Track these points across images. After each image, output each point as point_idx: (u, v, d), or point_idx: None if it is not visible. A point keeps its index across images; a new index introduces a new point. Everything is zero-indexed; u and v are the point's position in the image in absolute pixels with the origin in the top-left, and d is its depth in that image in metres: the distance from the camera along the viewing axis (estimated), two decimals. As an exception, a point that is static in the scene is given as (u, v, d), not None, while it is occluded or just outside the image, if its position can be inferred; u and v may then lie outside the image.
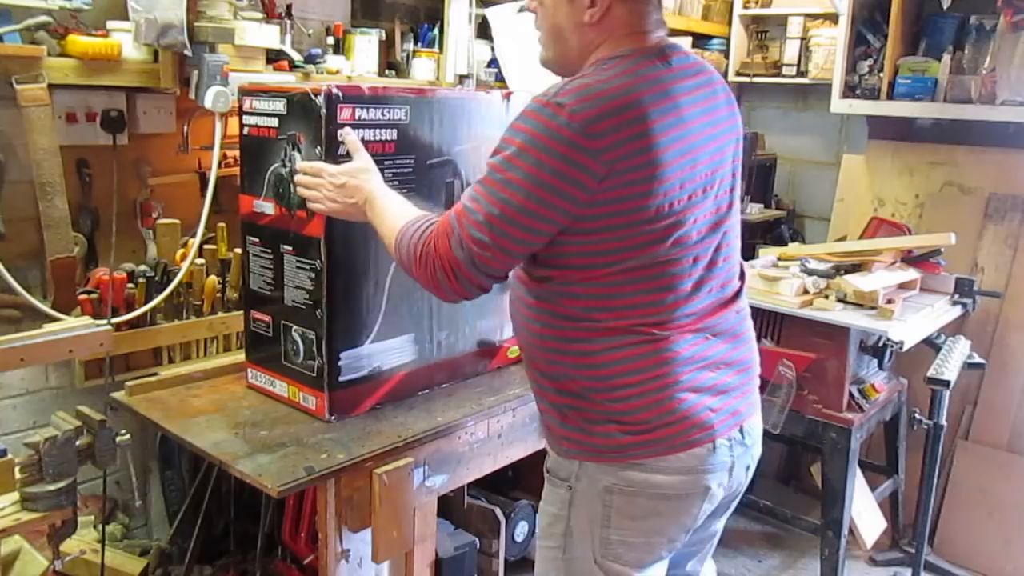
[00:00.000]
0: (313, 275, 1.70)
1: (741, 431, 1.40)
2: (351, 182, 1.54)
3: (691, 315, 1.34)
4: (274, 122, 1.69)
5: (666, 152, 1.25)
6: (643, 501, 1.35)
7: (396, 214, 1.44)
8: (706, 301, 1.37)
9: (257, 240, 1.80)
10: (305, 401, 1.79)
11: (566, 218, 1.25)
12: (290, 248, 1.73)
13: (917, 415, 2.48)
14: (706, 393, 1.35)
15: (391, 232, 1.41)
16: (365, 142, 1.62)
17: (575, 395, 1.36)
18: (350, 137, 1.60)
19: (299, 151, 1.66)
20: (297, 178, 1.61)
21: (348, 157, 1.60)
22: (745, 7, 3.38)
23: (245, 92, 1.74)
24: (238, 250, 2.15)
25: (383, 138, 1.70)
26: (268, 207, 1.75)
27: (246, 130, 1.76)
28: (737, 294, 1.45)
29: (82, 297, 1.90)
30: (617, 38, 1.33)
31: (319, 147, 1.62)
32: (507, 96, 1.97)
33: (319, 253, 1.67)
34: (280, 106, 1.68)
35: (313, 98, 1.61)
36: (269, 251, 1.78)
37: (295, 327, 1.76)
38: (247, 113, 1.74)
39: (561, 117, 1.21)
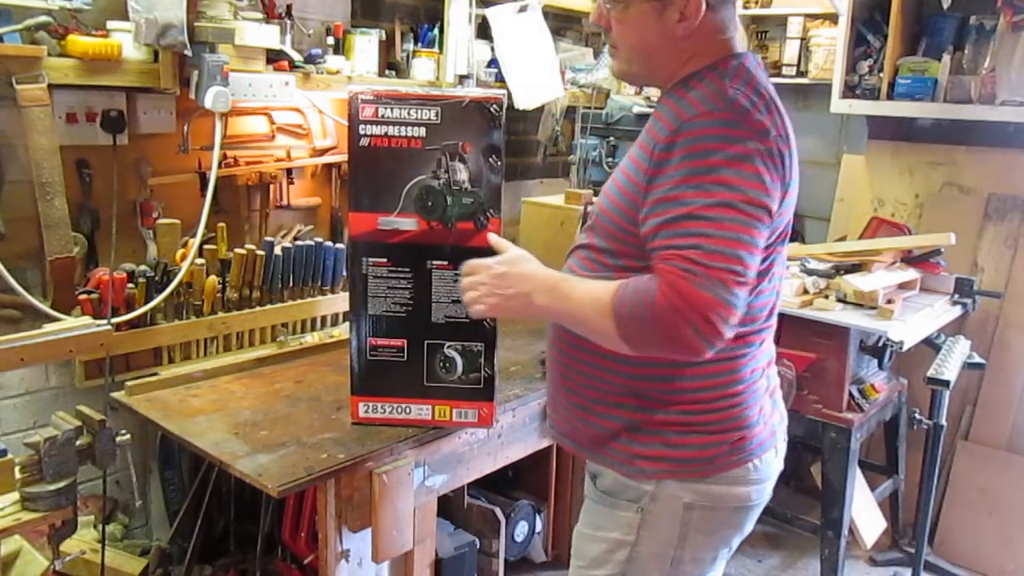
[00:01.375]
0: None
1: (787, 434, 1.46)
2: (512, 271, 1.34)
3: (768, 322, 1.35)
4: (420, 132, 1.62)
5: (788, 151, 1.26)
6: (721, 515, 1.34)
7: (591, 288, 1.24)
8: (775, 309, 1.38)
9: (384, 260, 1.68)
10: (462, 416, 1.76)
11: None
12: (444, 263, 1.67)
13: (917, 415, 2.48)
14: (772, 397, 1.40)
15: (599, 305, 1.20)
16: None
17: (661, 410, 1.30)
18: (496, 239, 1.49)
19: (463, 161, 1.62)
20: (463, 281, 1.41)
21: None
22: (745, 7, 3.37)
23: (368, 100, 1.62)
24: (239, 250, 2.16)
25: None
26: (406, 223, 1.66)
27: (365, 141, 1.63)
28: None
29: (82, 297, 1.90)
30: (710, 45, 1.29)
31: (493, 157, 1.60)
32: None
33: None
34: (432, 115, 1.60)
35: (488, 106, 1.58)
36: (406, 270, 1.69)
37: (448, 343, 1.72)
38: (369, 122, 1.62)
39: (751, 134, 1.18)
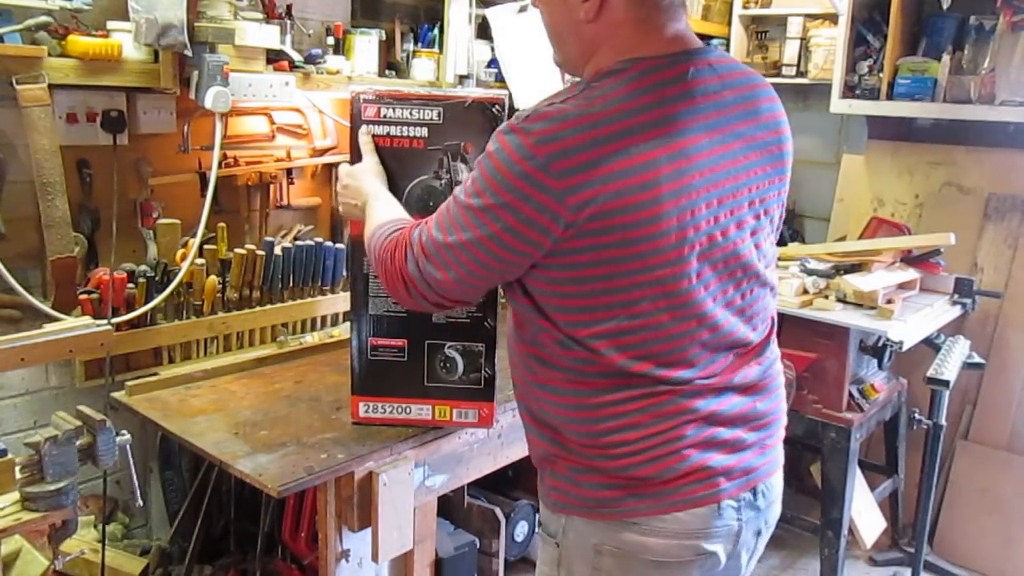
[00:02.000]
0: None
1: (754, 492, 1.24)
2: (352, 184, 1.52)
3: (703, 371, 1.19)
4: (422, 132, 1.62)
5: (660, 193, 1.08)
6: (637, 566, 1.21)
7: (380, 215, 1.39)
8: (722, 357, 1.21)
9: None
10: (462, 416, 1.76)
11: (527, 259, 1.14)
12: None
13: (917, 415, 2.48)
14: (715, 449, 1.19)
15: (368, 232, 1.37)
16: None
17: (564, 445, 1.24)
18: (364, 139, 1.59)
19: (464, 162, 1.62)
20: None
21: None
22: (745, 7, 3.37)
23: (370, 100, 1.62)
24: (239, 250, 2.16)
25: None
26: None
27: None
28: (764, 344, 1.28)
29: (82, 297, 1.90)
30: (622, 36, 1.15)
31: None
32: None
33: None
34: (434, 115, 1.61)
35: (490, 107, 1.59)
36: None
37: (449, 344, 1.71)
38: (372, 122, 1.62)
39: (524, 148, 1.07)
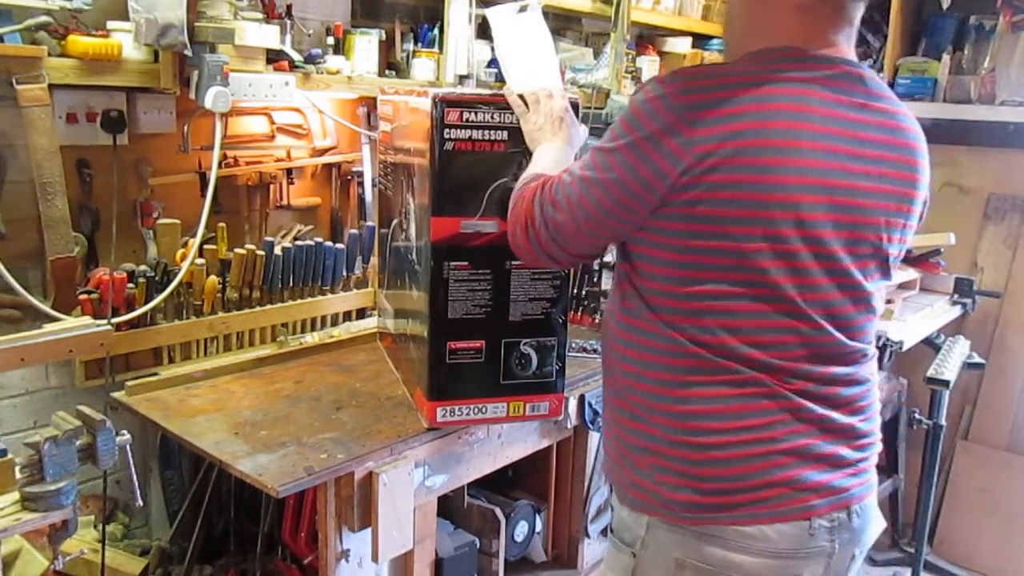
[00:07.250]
0: (557, 283, 1.73)
1: (848, 512, 1.18)
2: (550, 112, 1.60)
3: (803, 368, 1.15)
4: (502, 135, 1.63)
5: (784, 174, 1.07)
6: None
7: (542, 161, 1.47)
8: (826, 366, 1.17)
9: (465, 264, 1.69)
10: (535, 410, 1.80)
11: (646, 208, 1.13)
12: (522, 262, 1.67)
13: (917, 415, 2.48)
14: (808, 462, 1.14)
15: (523, 174, 1.44)
16: None
17: (648, 434, 1.20)
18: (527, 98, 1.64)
19: None
20: None
21: None
22: (745, 7, 3.37)
23: (451, 103, 1.61)
24: (239, 250, 2.16)
25: None
26: (488, 225, 1.67)
27: (450, 145, 1.63)
28: (868, 365, 1.24)
29: (82, 297, 1.90)
30: (782, 24, 1.15)
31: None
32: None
33: None
34: (513, 118, 1.62)
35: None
36: (486, 271, 1.70)
37: (524, 340, 1.75)
38: (453, 126, 1.62)
39: (660, 93, 1.10)
